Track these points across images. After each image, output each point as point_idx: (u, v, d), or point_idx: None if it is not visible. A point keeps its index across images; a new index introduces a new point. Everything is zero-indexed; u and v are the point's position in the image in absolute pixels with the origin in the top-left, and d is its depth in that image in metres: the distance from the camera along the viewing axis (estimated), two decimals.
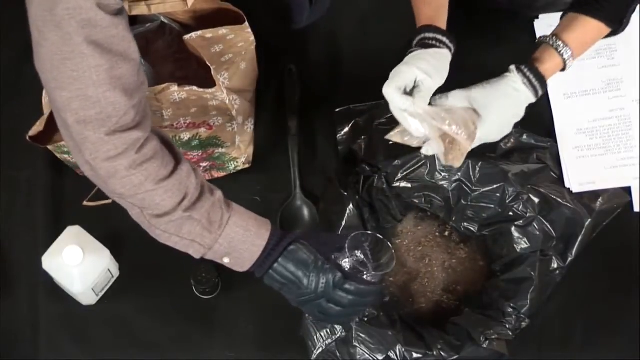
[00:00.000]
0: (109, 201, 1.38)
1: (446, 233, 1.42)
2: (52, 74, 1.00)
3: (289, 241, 1.14)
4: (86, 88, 1.00)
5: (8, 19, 1.51)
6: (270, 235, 1.13)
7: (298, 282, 1.13)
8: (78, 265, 1.28)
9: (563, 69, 1.26)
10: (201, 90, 1.31)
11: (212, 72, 1.32)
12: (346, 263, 1.15)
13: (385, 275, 1.17)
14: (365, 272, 1.15)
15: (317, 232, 1.18)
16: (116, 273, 1.38)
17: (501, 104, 1.22)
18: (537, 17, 1.50)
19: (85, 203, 1.38)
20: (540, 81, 1.23)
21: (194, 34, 1.34)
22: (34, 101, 1.34)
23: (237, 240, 1.12)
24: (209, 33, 1.34)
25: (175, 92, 1.30)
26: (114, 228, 1.39)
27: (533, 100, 1.24)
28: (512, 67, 1.23)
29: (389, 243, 1.18)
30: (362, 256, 1.17)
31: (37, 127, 1.29)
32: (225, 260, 1.14)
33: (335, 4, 1.49)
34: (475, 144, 1.22)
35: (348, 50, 1.53)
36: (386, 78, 1.48)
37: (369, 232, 1.23)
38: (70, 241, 1.29)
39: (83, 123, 1.01)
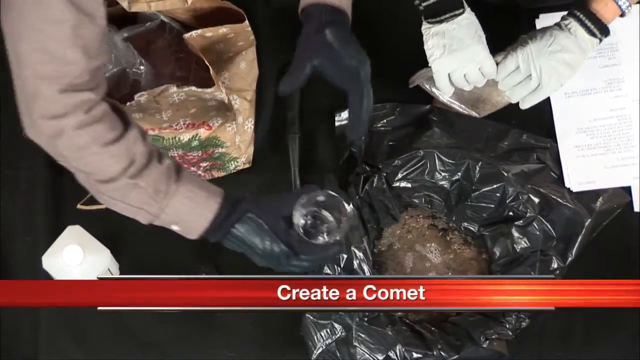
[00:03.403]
0: (103, 206, 1.39)
1: (436, 224, 1.41)
2: (18, 25, 1.00)
3: (238, 215, 1.14)
4: (48, 41, 1.00)
5: None
6: (219, 207, 1.13)
7: (254, 250, 1.14)
8: (78, 265, 1.28)
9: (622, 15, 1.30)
10: (200, 90, 1.31)
11: (212, 72, 1.31)
12: (301, 221, 1.15)
13: (344, 231, 1.19)
14: (322, 230, 1.16)
15: (270, 201, 1.19)
16: (116, 273, 1.38)
17: (551, 57, 1.30)
18: (538, 17, 1.49)
19: (79, 206, 1.38)
20: (592, 20, 1.28)
21: (193, 33, 1.34)
22: None
23: (183, 211, 1.12)
24: (209, 32, 1.34)
25: (175, 93, 1.30)
26: (114, 228, 1.39)
27: (588, 41, 1.30)
28: (564, 15, 1.31)
29: (342, 199, 1.18)
30: (320, 213, 1.17)
31: None
32: (175, 228, 1.14)
33: None
34: (542, 97, 1.33)
35: None
36: (387, 79, 1.49)
37: (323, 190, 1.21)
38: (70, 241, 1.29)
39: (39, 78, 1.02)
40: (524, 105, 1.35)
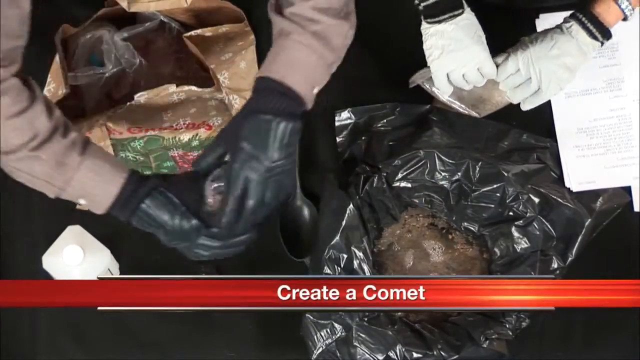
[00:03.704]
0: None
1: (436, 223, 1.41)
2: None
3: (147, 189, 1.12)
4: None
5: None
6: (125, 182, 1.12)
7: (163, 229, 1.13)
8: (78, 265, 1.28)
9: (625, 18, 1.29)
10: (200, 90, 1.32)
11: (211, 72, 1.32)
12: (211, 198, 1.14)
13: None
14: None
15: (181, 176, 1.18)
16: (116, 273, 1.38)
17: (549, 57, 1.30)
18: (538, 17, 1.49)
19: (78, 206, 1.38)
20: (594, 23, 1.28)
21: (193, 32, 1.34)
22: None
23: (88, 185, 1.11)
24: (208, 31, 1.35)
25: (175, 93, 1.30)
26: (114, 228, 1.39)
27: (589, 44, 1.30)
28: (567, 18, 1.31)
29: None
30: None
31: None
32: (82, 202, 1.13)
33: None
34: (542, 100, 1.34)
35: (348, 51, 1.52)
36: (387, 78, 1.49)
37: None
38: (70, 241, 1.29)
39: None
40: (525, 107, 1.35)
